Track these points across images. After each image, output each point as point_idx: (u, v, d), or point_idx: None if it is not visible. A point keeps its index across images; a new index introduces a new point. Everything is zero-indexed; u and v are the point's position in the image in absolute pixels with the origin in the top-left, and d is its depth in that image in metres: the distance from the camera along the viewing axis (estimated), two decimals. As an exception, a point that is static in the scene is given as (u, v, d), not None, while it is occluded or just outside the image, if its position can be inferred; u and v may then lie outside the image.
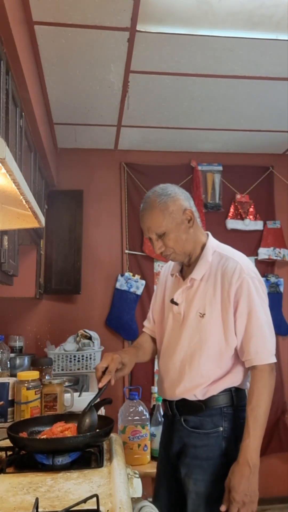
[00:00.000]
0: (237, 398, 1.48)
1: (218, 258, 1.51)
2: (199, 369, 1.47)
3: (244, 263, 1.49)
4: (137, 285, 3.37)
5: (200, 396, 1.47)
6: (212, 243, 1.57)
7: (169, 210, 1.48)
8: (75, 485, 1.06)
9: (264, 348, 1.43)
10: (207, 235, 1.60)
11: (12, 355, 2.55)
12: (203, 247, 1.55)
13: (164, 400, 1.60)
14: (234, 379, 1.48)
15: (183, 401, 1.50)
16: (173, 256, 1.54)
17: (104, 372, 1.46)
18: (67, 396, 1.76)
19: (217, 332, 1.46)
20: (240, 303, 1.43)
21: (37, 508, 0.88)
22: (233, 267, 1.46)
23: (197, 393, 1.47)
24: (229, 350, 1.46)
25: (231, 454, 1.41)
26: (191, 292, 1.52)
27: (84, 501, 0.89)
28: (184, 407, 1.50)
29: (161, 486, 1.63)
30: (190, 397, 1.49)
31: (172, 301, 1.57)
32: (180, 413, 1.51)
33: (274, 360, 1.44)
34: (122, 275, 3.38)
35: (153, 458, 1.96)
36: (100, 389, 1.45)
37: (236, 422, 1.46)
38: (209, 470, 1.43)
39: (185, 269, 1.62)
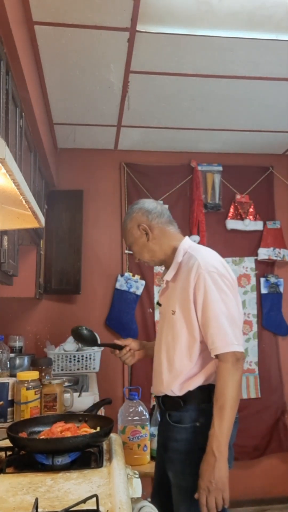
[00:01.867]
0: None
1: (187, 257, 1.60)
2: (173, 364, 1.56)
3: (203, 259, 1.55)
4: (137, 285, 3.37)
5: (177, 392, 1.55)
6: (184, 245, 1.65)
7: (128, 228, 1.71)
8: (74, 485, 1.06)
9: (220, 338, 1.46)
10: (184, 238, 1.70)
11: (12, 355, 2.55)
12: (175, 250, 1.65)
13: (156, 396, 1.69)
14: (209, 375, 1.53)
15: (166, 397, 1.59)
16: (147, 263, 1.74)
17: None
18: (66, 396, 1.76)
19: (184, 327, 1.54)
20: (198, 296, 1.51)
21: (36, 508, 0.88)
22: (192, 264, 1.54)
23: (174, 389, 1.55)
24: (195, 343, 1.52)
25: None
26: (167, 293, 1.67)
27: (84, 501, 0.90)
28: (168, 402, 1.59)
29: (156, 479, 1.72)
30: (169, 392, 1.57)
31: (158, 303, 1.74)
32: (166, 408, 1.60)
33: (234, 349, 1.45)
34: (122, 275, 3.39)
35: (152, 458, 1.96)
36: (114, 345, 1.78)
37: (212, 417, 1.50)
38: (187, 463, 1.49)
39: None
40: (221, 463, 1.39)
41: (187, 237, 1.71)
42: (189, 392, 1.53)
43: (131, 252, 1.84)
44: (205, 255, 1.59)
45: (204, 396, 1.52)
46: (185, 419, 1.53)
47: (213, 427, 1.41)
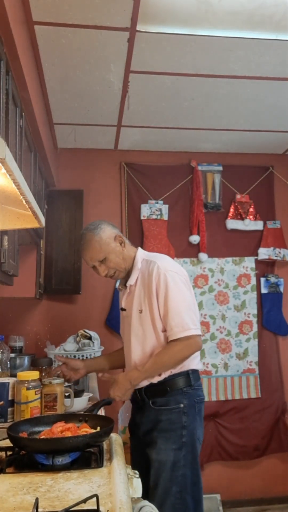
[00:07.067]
0: (193, 378, 1.80)
1: (145, 263, 1.86)
2: (148, 353, 1.79)
3: (161, 262, 1.82)
4: (137, 285, 3.37)
5: (158, 377, 1.77)
6: (141, 253, 1.92)
7: (103, 239, 1.86)
8: (75, 485, 1.06)
9: (177, 324, 1.72)
10: (137, 249, 1.95)
11: (12, 355, 2.55)
12: (134, 259, 1.90)
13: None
14: (186, 362, 1.77)
15: (150, 386, 1.79)
16: (116, 274, 1.91)
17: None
18: (67, 397, 1.76)
19: (150, 320, 1.79)
20: (159, 292, 1.77)
21: (37, 508, 0.88)
22: (153, 267, 1.80)
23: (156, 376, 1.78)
24: (161, 332, 1.78)
25: (190, 426, 1.74)
26: (131, 296, 1.88)
27: (84, 501, 0.89)
28: (152, 391, 1.79)
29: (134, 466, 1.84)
30: (153, 380, 1.78)
31: (121, 309, 1.95)
32: (149, 398, 1.79)
33: (191, 333, 1.72)
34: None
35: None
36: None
37: (194, 399, 1.78)
38: (171, 440, 1.72)
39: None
40: (130, 390, 1.77)
41: (139, 247, 1.97)
42: (173, 379, 1.77)
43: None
44: (161, 259, 1.85)
45: (186, 381, 1.78)
46: (171, 402, 1.76)
47: (143, 367, 1.74)
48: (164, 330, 1.79)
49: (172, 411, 1.75)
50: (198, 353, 1.82)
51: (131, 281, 1.87)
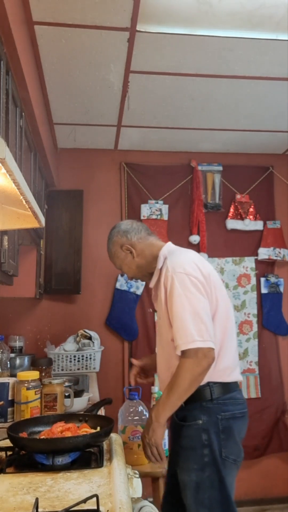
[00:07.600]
0: (217, 391, 1.60)
1: (165, 263, 1.67)
2: (166, 363, 1.66)
3: (172, 262, 1.62)
4: (137, 285, 3.38)
5: None
6: (164, 251, 1.72)
7: (112, 252, 1.81)
8: (75, 485, 1.06)
9: (182, 336, 1.52)
10: (164, 245, 1.77)
11: (12, 355, 2.55)
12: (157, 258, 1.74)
13: None
14: (208, 374, 1.56)
15: None
16: (138, 279, 1.84)
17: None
18: (67, 398, 1.76)
19: (165, 329, 1.64)
20: (168, 298, 1.59)
21: (37, 508, 0.88)
22: (164, 270, 1.63)
23: None
24: (170, 342, 1.60)
25: (213, 445, 1.54)
26: (155, 299, 1.77)
27: (84, 501, 0.89)
28: None
29: (168, 477, 1.77)
30: None
31: (154, 310, 1.77)
32: None
33: (196, 346, 1.50)
34: (122, 275, 3.38)
35: (153, 458, 1.95)
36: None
37: (216, 415, 1.58)
38: (192, 459, 1.56)
39: None
40: (155, 427, 1.56)
41: (169, 242, 1.79)
42: None
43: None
44: (175, 258, 1.65)
45: (204, 395, 1.59)
46: (188, 417, 1.60)
47: (160, 399, 1.58)
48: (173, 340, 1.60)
49: (190, 428, 1.59)
50: (226, 364, 1.63)
51: (151, 283, 1.74)
